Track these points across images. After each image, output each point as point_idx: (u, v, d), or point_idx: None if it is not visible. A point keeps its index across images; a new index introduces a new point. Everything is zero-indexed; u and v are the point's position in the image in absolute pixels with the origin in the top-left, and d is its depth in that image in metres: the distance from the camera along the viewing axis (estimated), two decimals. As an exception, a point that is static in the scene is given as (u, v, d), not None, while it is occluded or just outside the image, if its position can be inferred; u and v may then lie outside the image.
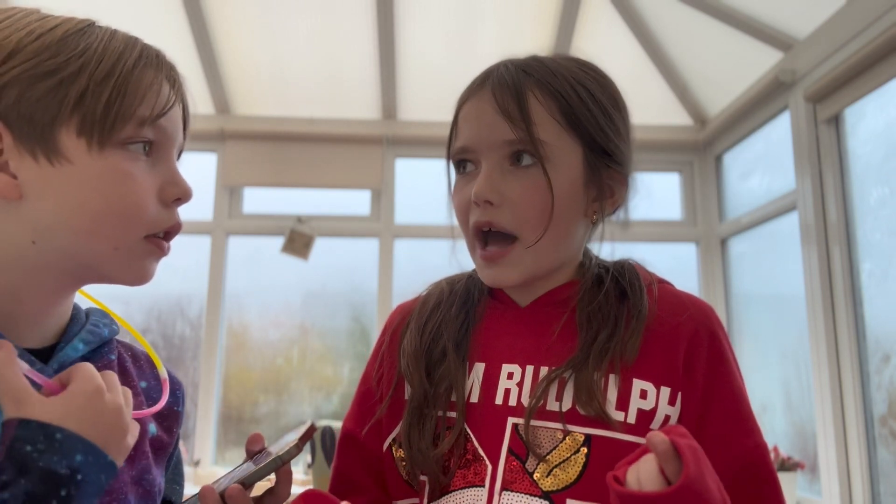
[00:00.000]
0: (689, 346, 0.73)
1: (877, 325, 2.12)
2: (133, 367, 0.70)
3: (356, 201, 3.18)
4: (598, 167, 0.76)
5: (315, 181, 3.10)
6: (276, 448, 0.67)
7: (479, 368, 0.76)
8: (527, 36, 2.88)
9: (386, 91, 3.02)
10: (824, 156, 2.31)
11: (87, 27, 0.61)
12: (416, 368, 0.77)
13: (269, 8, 2.74)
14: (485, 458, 0.71)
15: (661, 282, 0.80)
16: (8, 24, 0.58)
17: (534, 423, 0.71)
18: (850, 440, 2.16)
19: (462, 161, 0.78)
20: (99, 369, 0.61)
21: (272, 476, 0.66)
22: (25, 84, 0.56)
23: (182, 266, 3.06)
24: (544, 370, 0.73)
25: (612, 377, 0.71)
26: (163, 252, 0.64)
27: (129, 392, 0.57)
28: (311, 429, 0.68)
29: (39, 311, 0.61)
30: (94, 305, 0.70)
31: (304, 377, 3.15)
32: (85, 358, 0.63)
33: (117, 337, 0.71)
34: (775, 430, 2.65)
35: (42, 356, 0.60)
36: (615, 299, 0.76)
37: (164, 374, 0.70)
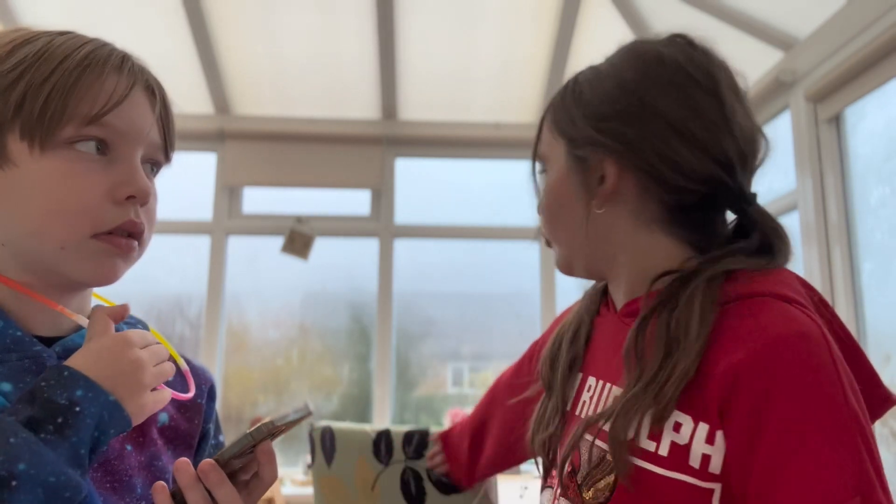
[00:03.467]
0: (725, 381, 0.61)
1: (877, 324, 2.12)
2: None
3: (356, 201, 3.17)
4: (581, 157, 0.74)
5: (315, 181, 3.09)
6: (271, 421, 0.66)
7: (578, 378, 0.81)
8: (527, 36, 2.88)
9: (386, 91, 3.02)
10: (825, 155, 2.31)
11: (39, 37, 0.63)
12: (545, 365, 0.85)
13: (268, 8, 2.74)
14: (559, 463, 0.76)
15: (779, 297, 0.64)
16: None
17: (588, 437, 0.71)
18: (850, 440, 2.15)
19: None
20: None
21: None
22: None
23: (181, 266, 3.06)
24: (608, 386, 0.74)
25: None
26: (120, 250, 0.63)
27: (165, 360, 0.63)
28: (304, 417, 0.65)
29: (40, 305, 0.63)
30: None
31: (304, 377, 3.15)
32: None
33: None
34: (776, 431, 2.65)
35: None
36: (676, 288, 0.68)
37: (184, 365, 0.73)
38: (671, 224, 0.73)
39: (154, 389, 0.61)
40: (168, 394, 0.63)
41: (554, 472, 0.77)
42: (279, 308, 3.17)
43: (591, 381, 0.77)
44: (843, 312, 2.19)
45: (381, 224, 3.12)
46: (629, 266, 0.75)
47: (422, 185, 3.20)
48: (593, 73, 0.77)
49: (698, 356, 0.62)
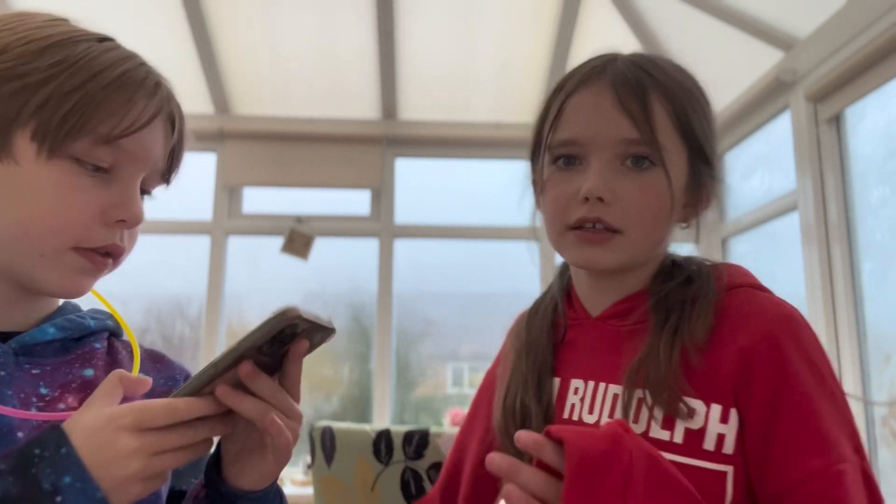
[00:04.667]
0: (741, 360, 0.66)
1: (878, 325, 2.12)
2: (128, 360, 0.70)
3: (356, 201, 3.17)
4: (700, 174, 0.76)
5: (315, 181, 3.09)
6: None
7: (555, 383, 0.79)
8: (527, 36, 2.88)
9: (386, 91, 3.02)
10: (825, 155, 2.31)
11: (79, 41, 0.61)
12: (507, 434, 0.78)
13: (268, 7, 2.74)
14: None
15: (750, 287, 0.73)
16: (13, 26, 0.61)
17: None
18: (850, 440, 2.15)
19: (566, 155, 0.75)
20: (80, 357, 0.65)
21: None
22: None
23: (181, 266, 3.06)
24: (602, 385, 0.74)
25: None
26: (95, 268, 0.63)
27: (165, 448, 0.53)
28: (329, 331, 0.58)
29: (4, 299, 0.62)
30: (99, 304, 0.71)
31: (304, 377, 3.14)
32: (59, 343, 0.65)
33: (146, 345, 0.74)
34: (776, 431, 2.65)
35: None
36: (681, 288, 0.74)
37: (136, 348, 0.71)
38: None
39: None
40: (165, 479, 0.56)
41: None
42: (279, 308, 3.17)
43: (578, 383, 0.77)
44: (843, 312, 2.19)
45: (381, 224, 3.12)
46: (646, 271, 0.78)
47: (422, 185, 3.20)
48: (698, 90, 0.78)
49: (713, 297, 0.70)
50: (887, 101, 2.08)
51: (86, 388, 0.63)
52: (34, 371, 0.62)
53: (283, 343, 0.56)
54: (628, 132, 0.71)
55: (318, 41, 2.88)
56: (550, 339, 0.81)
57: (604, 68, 0.74)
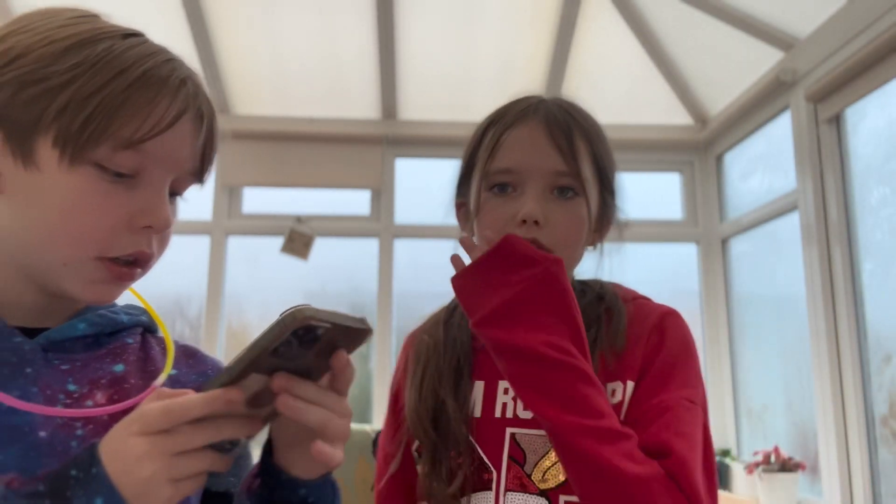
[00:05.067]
0: (646, 344, 0.82)
1: (878, 325, 2.12)
2: (161, 356, 0.69)
3: (356, 201, 3.17)
4: (606, 203, 0.89)
5: (315, 181, 3.09)
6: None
7: (479, 386, 0.85)
8: (527, 36, 2.88)
9: (386, 91, 3.02)
10: (825, 156, 2.31)
11: (102, 39, 0.59)
12: (420, 424, 0.85)
13: (268, 7, 2.74)
14: (490, 465, 0.81)
15: (638, 297, 0.90)
16: (36, 26, 0.59)
17: (528, 431, 0.81)
18: (850, 440, 2.15)
19: (503, 182, 0.85)
20: (111, 352, 0.64)
21: None
22: (17, 87, 0.57)
23: (181, 266, 3.06)
24: None
25: None
26: (120, 280, 0.62)
27: (197, 472, 0.52)
28: (295, 318, 0.50)
29: (26, 297, 0.62)
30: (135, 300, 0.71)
31: (304, 377, 3.15)
32: (91, 339, 0.64)
33: (182, 341, 0.73)
34: (776, 430, 2.64)
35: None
36: (595, 305, 0.87)
37: (170, 344, 0.70)
38: None
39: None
40: None
41: (481, 477, 0.81)
42: (279, 308, 3.14)
43: (507, 384, 0.83)
44: (844, 312, 2.19)
45: (381, 224, 3.12)
46: None
47: (422, 185, 3.19)
48: (601, 130, 0.89)
49: (624, 313, 0.85)
50: (887, 101, 2.08)
51: (115, 384, 0.62)
52: (63, 367, 0.60)
53: (309, 344, 0.52)
54: (559, 165, 0.82)
55: (318, 41, 2.88)
56: (470, 342, 0.88)
57: (536, 108, 0.86)
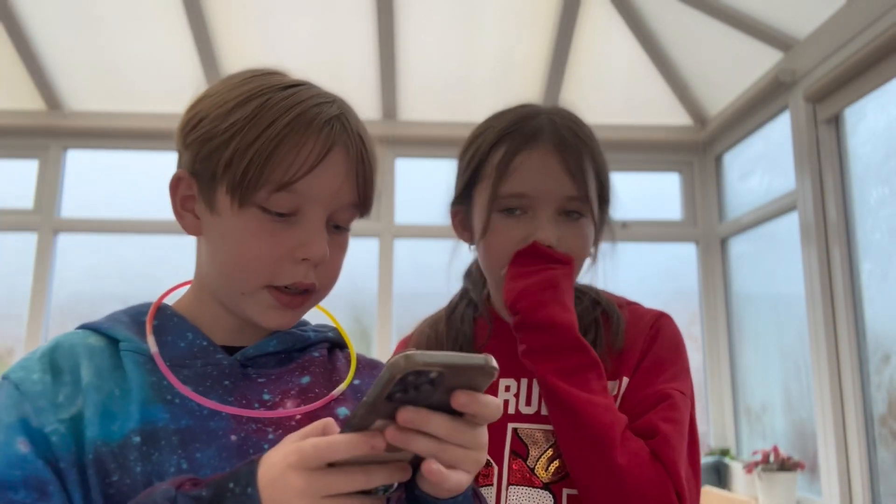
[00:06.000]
0: (642, 343, 0.88)
1: (877, 324, 2.12)
2: (346, 368, 0.78)
3: (356, 201, 3.17)
4: (603, 219, 0.94)
5: (315, 181, 3.09)
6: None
7: None
8: (526, 36, 2.88)
9: (386, 91, 3.02)
10: (824, 156, 2.31)
11: (263, 93, 0.67)
12: None
13: (268, 8, 2.74)
14: (491, 461, 0.84)
15: (631, 303, 0.95)
16: (217, 90, 0.70)
17: (531, 426, 0.84)
18: (850, 440, 2.16)
19: (513, 206, 0.88)
20: (299, 366, 0.73)
21: None
22: (200, 146, 0.67)
23: (181, 266, 3.06)
24: (535, 381, 0.87)
25: None
26: (290, 307, 0.69)
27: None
28: (396, 369, 0.49)
29: (228, 321, 0.71)
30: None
31: (304, 377, 3.15)
32: (284, 355, 0.73)
33: (365, 355, 0.83)
34: (775, 430, 2.65)
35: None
36: (591, 309, 0.92)
37: (353, 355, 0.80)
38: None
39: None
40: None
41: (483, 473, 0.84)
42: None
43: (509, 381, 0.88)
44: (843, 312, 2.19)
45: (381, 224, 3.12)
46: None
47: (422, 185, 3.20)
48: (600, 144, 0.93)
49: (620, 317, 0.91)
50: (887, 101, 2.08)
51: (302, 394, 0.71)
52: (260, 380, 0.69)
53: (429, 385, 0.52)
54: (570, 190, 0.86)
55: (319, 42, 2.88)
56: (472, 339, 0.93)
57: (545, 129, 0.88)
